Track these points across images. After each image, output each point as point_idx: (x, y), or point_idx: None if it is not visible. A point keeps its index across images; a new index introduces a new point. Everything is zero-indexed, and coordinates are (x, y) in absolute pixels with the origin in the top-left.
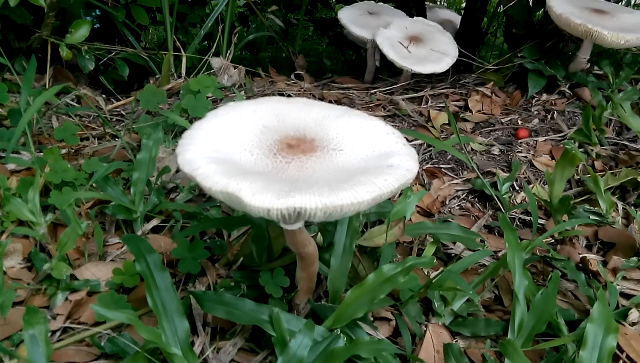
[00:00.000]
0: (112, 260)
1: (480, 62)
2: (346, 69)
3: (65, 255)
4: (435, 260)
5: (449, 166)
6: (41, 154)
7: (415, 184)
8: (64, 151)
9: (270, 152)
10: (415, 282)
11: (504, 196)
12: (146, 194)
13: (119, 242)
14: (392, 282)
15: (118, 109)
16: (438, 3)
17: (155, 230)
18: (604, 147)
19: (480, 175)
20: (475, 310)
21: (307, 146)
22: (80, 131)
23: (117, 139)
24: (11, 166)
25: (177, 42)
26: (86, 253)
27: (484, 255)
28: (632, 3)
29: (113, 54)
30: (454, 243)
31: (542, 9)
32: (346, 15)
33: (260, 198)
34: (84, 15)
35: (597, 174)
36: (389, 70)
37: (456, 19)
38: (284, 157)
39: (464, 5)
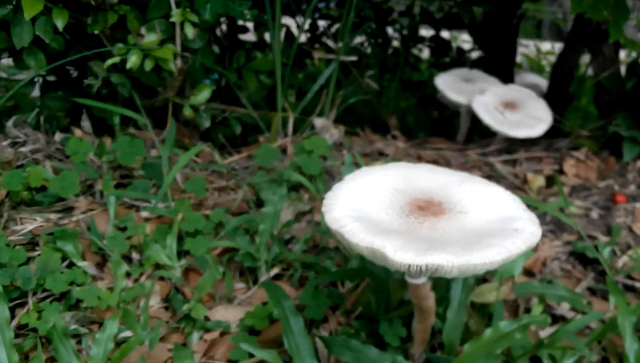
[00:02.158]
0: (239, 304)
1: (574, 128)
2: (430, 128)
3: (200, 298)
4: (549, 319)
5: (548, 228)
6: (173, 203)
7: None
8: (190, 202)
9: (403, 213)
10: (527, 340)
11: (605, 260)
12: (268, 245)
13: (244, 287)
14: (509, 339)
15: (232, 163)
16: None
17: (276, 277)
18: None
19: (585, 237)
20: None
21: (435, 208)
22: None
23: (235, 192)
24: (144, 214)
25: (286, 104)
26: (217, 297)
27: (597, 317)
28: None
29: (227, 113)
30: (559, 304)
31: (636, 79)
32: (443, 82)
33: (403, 255)
34: (203, 79)
35: None
36: (479, 132)
37: (542, 82)
38: (415, 218)
39: (548, 69)
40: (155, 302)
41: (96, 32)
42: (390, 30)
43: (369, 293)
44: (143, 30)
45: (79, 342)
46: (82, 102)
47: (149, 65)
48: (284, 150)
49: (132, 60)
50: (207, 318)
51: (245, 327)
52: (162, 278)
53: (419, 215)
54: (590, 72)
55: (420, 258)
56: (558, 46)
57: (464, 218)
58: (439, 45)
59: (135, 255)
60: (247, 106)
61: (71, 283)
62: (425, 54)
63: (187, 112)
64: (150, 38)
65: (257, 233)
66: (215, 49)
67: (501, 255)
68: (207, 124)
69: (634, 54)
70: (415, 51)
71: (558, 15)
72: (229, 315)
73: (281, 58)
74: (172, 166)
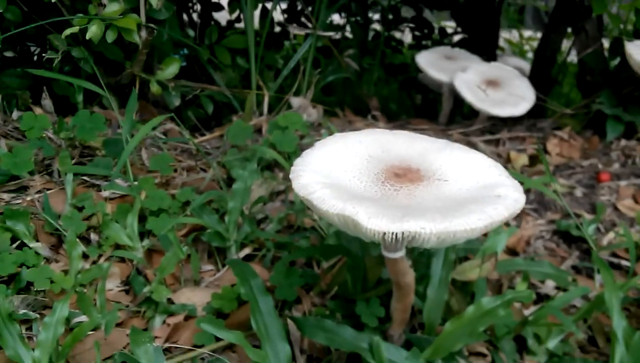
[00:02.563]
0: (206, 286)
1: (558, 106)
2: (414, 113)
3: (162, 280)
4: (533, 295)
5: (531, 207)
6: (136, 182)
7: None
8: (156, 181)
9: (378, 180)
10: (510, 318)
11: (590, 237)
12: (239, 223)
13: (212, 269)
14: (492, 316)
15: (203, 143)
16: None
17: (247, 258)
18: None
19: (573, 214)
20: (570, 350)
21: (413, 176)
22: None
23: (205, 172)
24: (106, 193)
25: (260, 82)
26: (182, 279)
27: (583, 292)
28: None
29: (198, 91)
30: (543, 282)
31: (619, 58)
32: (424, 59)
33: (376, 222)
34: (172, 53)
35: None
36: (462, 114)
37: (525, 66)
38: (392, 185)
39: (529, 55)
40: (114, 285)
41: (53, 0)
42: (371, 14)
43: (345, 272)
44: (105, 0)
45: (30, 329)
46: (40, 73)
47: (111, 36)
48: (258, 130)
49: (93, 30)
50: (170, 302)
51: (212, 309)
52: (122, 260)
53: (396, 183)
54: (571, 58)
55: (396, 226)
56: (540, 35)
57: (443, 185)
58: (420, 26)
59: (94, 236)
60: (220, 84)
61: (21, 265)
62: (408, 38)
63: (154, 88)
64: (113, 8)
65: (227, 212)
66: (191, 33)
67: (482, 222)
68: (176, 102)
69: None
70: (397, 35)
71: (540, 2)
72: (195, 297)
73: (255, 36)
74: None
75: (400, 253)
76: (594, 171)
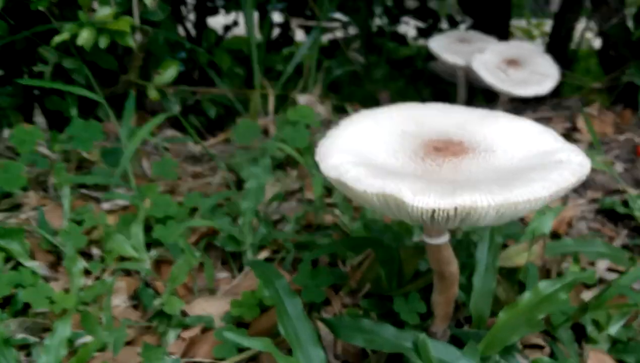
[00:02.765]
0: (223, 295)
1: (585, 81)
2: None
3: (174, 291)
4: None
5: None
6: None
7: None
8: (160, 189)
9: (417, 156)
10: (567, 304)
11: (638, 214)
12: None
13: (228, 276)
14: (551, 302)
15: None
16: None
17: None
18: None
19: (626, 186)
20: (634, 335)
21: (456, 148)
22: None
23: (211, 177)
24: (106, 205)
25: (264, 81)
26: (195, 288)
27: None
28: None
29: (198, 96)
30: (593, 264)
31: None
32: (437, 44)
33: (424, 198)
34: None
35: None
36: (477, 100)
37: (538, 50)
38: (433, 160)
39: (538, 41)
40: (121, 301)
41: (41, 8)
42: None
43: (378, 267)
44: (96, 5)
45: (29, 355)
46: (31, 83)
47: (103, 41)
48: (264, 132)
49: (84, 37)
50: (184, 314)
51: (232, 319)
52: (129, 274)
53: (437, 156)
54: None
55: (447, 201)
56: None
57: (491, 157)
58: (425, 16)
59: (95, 251)
60: (221, 86)
61: (17, 286)
62: (412, 32)
63: (153, 94)
64: (104, 12)
65: (240, 214)
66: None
67: (547, 190)
68: (176, 108)
69: None
70: (401, 29)
71: None
72: (211, 308)
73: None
74: (136, 152)
75: (444, 239)
76: (631, 145)
